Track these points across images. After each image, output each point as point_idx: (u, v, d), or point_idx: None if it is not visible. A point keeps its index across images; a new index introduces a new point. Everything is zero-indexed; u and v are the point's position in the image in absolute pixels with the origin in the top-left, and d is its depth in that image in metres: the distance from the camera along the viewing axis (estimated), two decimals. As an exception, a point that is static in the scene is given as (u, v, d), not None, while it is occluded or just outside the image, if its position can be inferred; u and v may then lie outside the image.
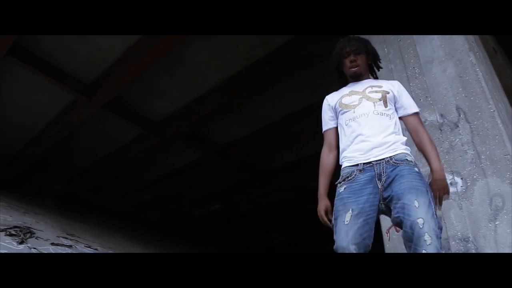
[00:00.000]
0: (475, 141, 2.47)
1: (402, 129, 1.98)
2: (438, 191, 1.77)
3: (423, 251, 1.53)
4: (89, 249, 5.32)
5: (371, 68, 2.17)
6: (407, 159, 1.83)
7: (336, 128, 2.09)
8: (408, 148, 1.92)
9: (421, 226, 1.57)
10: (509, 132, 2.51)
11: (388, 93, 1.99)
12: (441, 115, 2.67)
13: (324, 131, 2.14)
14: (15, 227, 4.70)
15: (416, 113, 2.01)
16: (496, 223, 2.23)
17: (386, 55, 3.04)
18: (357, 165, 1.86)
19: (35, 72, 5.31)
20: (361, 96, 2.00)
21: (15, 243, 4.06)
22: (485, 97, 2.52)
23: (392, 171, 1.78)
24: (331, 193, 1.94)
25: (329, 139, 2.11)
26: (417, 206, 1.62)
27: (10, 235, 4.28)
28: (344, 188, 1.84)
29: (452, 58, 2.74)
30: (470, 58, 2.66)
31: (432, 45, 2.86)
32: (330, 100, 2.14)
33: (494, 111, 2.47)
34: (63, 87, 5.60)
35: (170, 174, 8.48)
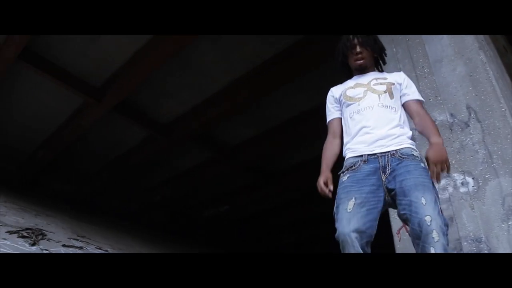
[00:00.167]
0: (486, 141, 2.44)
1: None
2: (436, 165, 1.70)
3: (431, 248, 1.53)
4: (99, 250, 5.37)
5: (377, 61, 2.16)
6: (413, 154, 1.81)
7: (341, 118, 2.08)
8: (414, 142, 1.90)
9: (429, 224, 1.56)
10: (521, 131, 2.48)
11: (393, 84, 1.97)
12: (451, 115, 2.64)
13: (328, 122, 2.13)
14: (27, 229, 4.75)
15: (419, 100, 1.99)
16: (509, 223, 2.21)
17: (394, 54, 3.02)
18: (361, 156, 1.84)
19: (45, 75, 5.38)
20: (366, 89, 1.98)
21: (27, 245, 4.11)
22: (496, 96, 2.49)
23: (397, 164, 1.76)
24: (334, 188, 1.91)
25: (333, 128, 2.09)
26: (424, 203, 1.62)
27: (23, 237, 4.33)
28: (348, 177, 1.83)
29: (462, 57, 2.72)
30: (480, 57, 2.63)
31: (441, 44, 2.83)
32: (335, 91, 2.13)
33: (505, 110, 2.44)
34: (72, 90, 5.66)
35: (178, 175, 8.51)
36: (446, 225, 1.61)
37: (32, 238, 4.40)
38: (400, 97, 1.98)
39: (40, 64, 5.24)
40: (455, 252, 2.34)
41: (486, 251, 2.23)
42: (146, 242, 8.65)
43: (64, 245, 4.72)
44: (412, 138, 1.93)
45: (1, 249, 3.62)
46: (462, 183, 2.44)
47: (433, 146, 1.76)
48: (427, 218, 1.57)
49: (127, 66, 5.30)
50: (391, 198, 1.75)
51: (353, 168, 1.84)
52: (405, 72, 2.91)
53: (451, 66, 2.75)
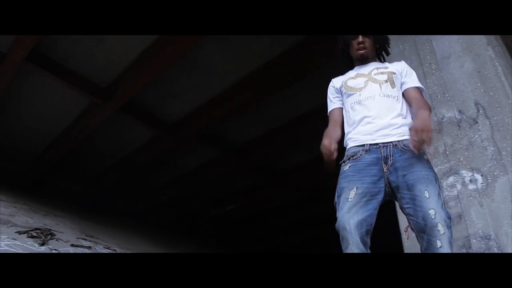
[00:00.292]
0: (495, 137, 2.42)
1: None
2: (417, 132, 1.64)
3: (438, 241, 1.54)
4: (107, 250, 5.41)
5: (379, 52, 2.14)
6: None
7: (342, 109, 2.05)
8: None
9: (433, 217, 1.57)
10: (531, 127, 2.45)
11: (394, 73, 1.95)
12: (459, 111, 2.62)
13: (329, 112, 2.10)
14: (36, 229, 4.81)
15: (418, 88, 1.95)
16: (519, 220, 2.18)
17: (401, 51, 3.00)
18: (363, 145, 1.83)
19: (53, 77, 5.43)
20: (366, 79, 1.97)
21: (36, 245, 4.15)
22: (505, 92, 2.47)
23: (399, 156, 1.75)
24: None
25: (334, 117, 2.05)
26: (427, 197, 1.62)
27: (32, 237, 4.38)
28: (349, 167, 1.81)
29: (470, 53, 2.69)
30: (488, 53, 2.60)
31: (449, 40, 2.81)
32: (336, 82, 2.12)
33: (514, 106, 2.41)
34: (80, 91, 5.71)
35: (185, 175, 8.55)
36: (449, 218, 1.61)
37: (41, 238, 4.44)
38: (401, 85, 1.96)
39: (48, 66, 5.29)
40: (464, 249, 2.32)
41: (495, 249, 2.21)
42: (153, 241, 8.70)
43: (72, 245, 4.76)
44: None
45: (11, 249, 3.66)
46: (470, 180, 2.41)
47: (418, 116, 1.72)
48: (431, 212, 1.58)
49: (134, 67, 5.33)
50: (392, 190, 1.74)
51: (354, 157, 1.82)
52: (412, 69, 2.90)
53: (459, 62, 2.73)
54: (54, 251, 4.13)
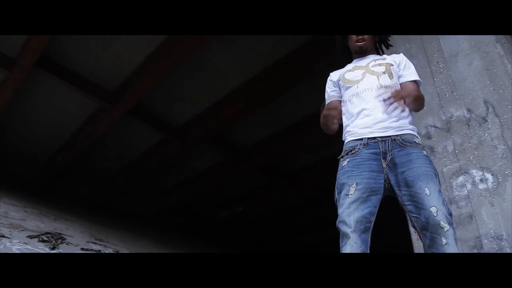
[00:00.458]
0: (505, 136, 2.38)
1: None
2: (398, 95, 1.74)
3: (443, 239, 1.52)
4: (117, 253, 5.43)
5: (379, 45, 2.13)
6: (415, 141, 1.77)
7: (340, 101, 2.03)
8: (415, 128, 1.85)
9: (435, 214, 1.55)
10: (542, 125, 2.41)
11: (392, 65, 1.93)
12: (468, 110, 2.59)
13: (327, 104, 2.09)
14: (46, 233, 4.85)
15: (416, 81, 1.93)
16: (531, 220, 2.15)
17: (408, 50, 2.98)
18: (361, 139, 1.80)
19: (61, 82, 5.48)
20: (364, 71, 1.94)
21: (47, 249, 4.19)
22: (514, 89, 2.43)
23: (398, 151, 1.73)
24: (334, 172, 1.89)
25: (332, 105, 2.04)
26: (428, 194, 1.60)
27: (43, 241, 4.42)
28: (348, 162, 1.79)
29: (478, 51, 2.66)
30: (497, 50, 2.57)
31: (457, 38, 2.78)
32: (333, 75, 2.10)
33: (524, 103, 2.38)
34: (87, 95, 5.75)
35: (193, 177, 8.56)
36: (450, 214, 1.59)
37: (51, 242, 4.49)
38: (398, 78, 1.94)
39: (56, 71, 5.34)
40: (475, 250, 2.29)
41: (507, 249, 2.17)
42: (162, 244, 8.72)
43: (82, 249, 4.80)
44: (413, 123, 1.88)
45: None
46: (481, 180, 2.38)
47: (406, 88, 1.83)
48: (433, 209, 1.56)
49: (140, 71, 5.36)
50: (391, 186, 1.72)
51: (352, 152, 1.80)
52: (419, 68, 2.88)
53: (467, 60, 2.70)
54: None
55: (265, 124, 6.62)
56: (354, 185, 1.70)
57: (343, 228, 1.65)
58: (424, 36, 2.96)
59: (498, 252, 2.20)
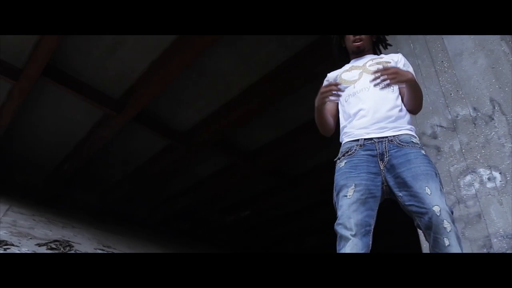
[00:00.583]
0: (512, 134, 2.37)
1: None
2: (390, 73, 1.68)
3: (445, 239, 1.49)
4: (125, 259, 5.44)
5: (376, 45, 2.12)
6: (412, 141, 1.74)
7: (337, 103, 2.01)
8: (413, 127, 1.83)
9: (438, 214, 1.52)
10: (549, 122, 2.40)
11: (389, 62, 1.91)
12: (474, 109, 2.58)
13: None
14: (55, 241, 4.88)
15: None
16: (541, 217, 2.13)
17: (412, 50, 2.98)
18: (357, 140, 1.79)
19: (67, 90, 5.53)
20: (361, 71, 1.93)
21: (56, 256, 4.21)
22: (520, 87, 2.42)
23: (396, 152, 1.70)
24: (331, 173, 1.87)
25: (329, 110, 2.02)
26: (429, 193, 1.57)
27: (51, 249, 4.44)
28: (345, 163, 1.77)
29: (483, 49, 2.66)
30: (502, 48, 2.57)
31: (461, 37, 2.78)
32: (330, 76, 2.09)
33: (531, 101, 2.37)
34: (93, 103, 5.80)
35: (199, 182, 8.58)
36: (452, 212, 1.57)
37: (60, 249, 4.51)
38: None
39: (62, 80, 5.39)
40: (485, 249, 2.28)
41: (518, 248, 2.16)
42: (169, 249, 8.73)
43: (91, 255, 4.81)
44: (412, 123, 1.87)
45: (31, 260, 3.71)
46: (488, 178, 2.37)
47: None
48: (436, 208, 1.53)
49: (145, 77, 5.39)
50: (390, 188, 1.69)
51: (349, 153, 1.78)
52: (424, 68, 2.88)
53: (472, 59, 2.69)
54: (73, 262, 4.18)
55: (269, 127, 6.63)
56: (353, 186, 1.68)
57: (343, 231, 1.62)
58: (428, 36, 2.95)
59: (508, 250, 2.18)
